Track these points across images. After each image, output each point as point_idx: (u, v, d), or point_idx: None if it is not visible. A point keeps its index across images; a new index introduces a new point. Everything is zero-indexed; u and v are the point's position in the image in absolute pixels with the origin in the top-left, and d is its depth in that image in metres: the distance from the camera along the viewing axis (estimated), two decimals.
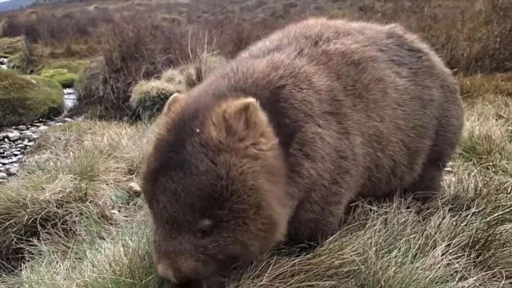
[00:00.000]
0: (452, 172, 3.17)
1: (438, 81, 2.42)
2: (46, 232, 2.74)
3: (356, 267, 1.83)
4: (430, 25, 9.56)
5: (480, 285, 1.84)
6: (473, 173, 2.96)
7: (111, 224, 2.73)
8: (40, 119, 9.45)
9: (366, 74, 2.12)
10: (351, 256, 1.88)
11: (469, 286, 1.79)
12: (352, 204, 2.25)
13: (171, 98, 1.88)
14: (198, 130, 1.61)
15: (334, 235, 2.04)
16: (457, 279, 1.82)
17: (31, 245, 2.67)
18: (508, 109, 4.97)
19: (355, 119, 2.02)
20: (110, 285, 1.84)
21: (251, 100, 1.63)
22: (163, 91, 7.48)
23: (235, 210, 1.58)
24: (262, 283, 1.76)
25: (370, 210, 2.26)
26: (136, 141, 4.50)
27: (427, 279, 1.77)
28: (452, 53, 7.70)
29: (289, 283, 1.77)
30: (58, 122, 9.22)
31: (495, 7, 8.57)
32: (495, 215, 2.22)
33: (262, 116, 1.66)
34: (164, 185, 1.60)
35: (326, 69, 2.04)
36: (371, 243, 1.95)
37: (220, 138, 1.58)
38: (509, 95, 6.04)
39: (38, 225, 2.81)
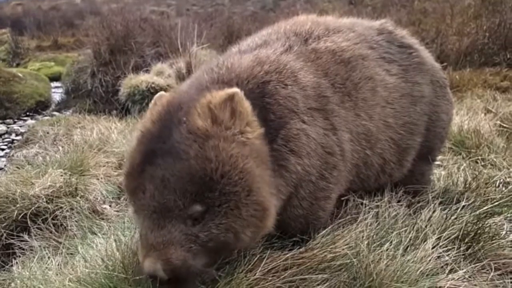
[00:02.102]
0: (442, 166, 3.21)
1: (428, 77, 2.43)
2: (36, 228, 2.72)
3: (348, 261, 1.84)
4: (420, 19, 9.63)
5: (469, 277, 1.86)
6: (462, 167, 3.00)
7: (103, 219, 2.72)
8: (27, 113, 9.31)
9: (356, 72, 2.12)
10: (343, 249, 1.89)
11: (459, 278, 1.81)
12: (343, 198, 2.27)
13: (157, 95, 1.88)
14: (184, 119, 1.61)
15: (326, 229, 2.05)
16: (447, 271, 1.85)
17: (22, 241, 2.65)
18: (496, 103, 5.05)
19: (343, 115, 2.02)
20: (103, 280, 1.83)
21: (236, 90, 1.64)
22: (152, 85, 7.41)
23: (227, 192, 1.56)
24: (255, 277, 1.76)
25: (362, 204, 2.28)
26: (126, 136, 4.47)
27: (418, 272, 1.79)
28: (441, 48, 7.77)
29: (282, 276, 1.77)
30: (45, 116, 9.08)
31: (484, 1, 8.66)
32: (485, 208, 2.25)
33: (247, 106, 1.66)
34: (151, 174, 1.57)
35: (314, 66, 2.04)
36: (363, 237, 1.97)
37: (206, 127, 1.59)
38: (498, 90, 6.12)
39: (29, 221, 2.79)
